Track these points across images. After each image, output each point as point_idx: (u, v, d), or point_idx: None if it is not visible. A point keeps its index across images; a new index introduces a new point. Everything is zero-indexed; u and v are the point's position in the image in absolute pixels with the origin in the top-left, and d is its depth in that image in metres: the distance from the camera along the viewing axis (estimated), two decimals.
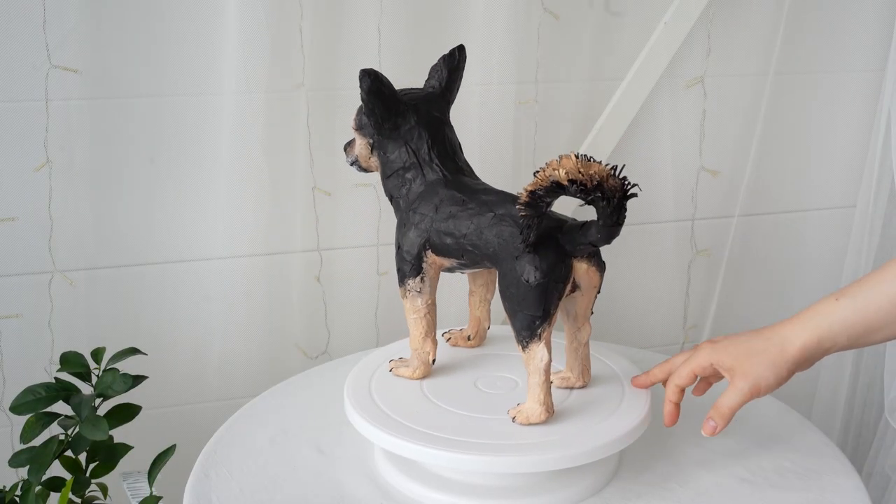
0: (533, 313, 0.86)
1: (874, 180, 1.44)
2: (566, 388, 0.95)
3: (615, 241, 0.94)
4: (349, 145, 1.03)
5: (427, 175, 0.96)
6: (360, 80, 0.94)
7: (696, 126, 1.42)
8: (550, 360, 0.87)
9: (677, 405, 0.90)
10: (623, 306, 1.47)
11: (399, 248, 0.96)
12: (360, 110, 0.99)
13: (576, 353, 0.95)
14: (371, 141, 0.99)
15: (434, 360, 0.98)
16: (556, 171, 0.81)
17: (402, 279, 0.97)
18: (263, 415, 1.05)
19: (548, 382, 0.88)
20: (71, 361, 1.05)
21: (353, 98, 1.26)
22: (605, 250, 1.07)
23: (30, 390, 1.02)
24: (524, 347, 0.88)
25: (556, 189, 0.82)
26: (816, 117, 1.48)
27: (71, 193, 1.21)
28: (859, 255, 1.48)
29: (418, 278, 0.96)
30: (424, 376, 0.98)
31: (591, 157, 0.83)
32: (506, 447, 0.85)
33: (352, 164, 1.03)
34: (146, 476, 1.01)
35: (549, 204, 0.85)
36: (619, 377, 0.98)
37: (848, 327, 0.84)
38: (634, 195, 0.83)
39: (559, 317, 0.91)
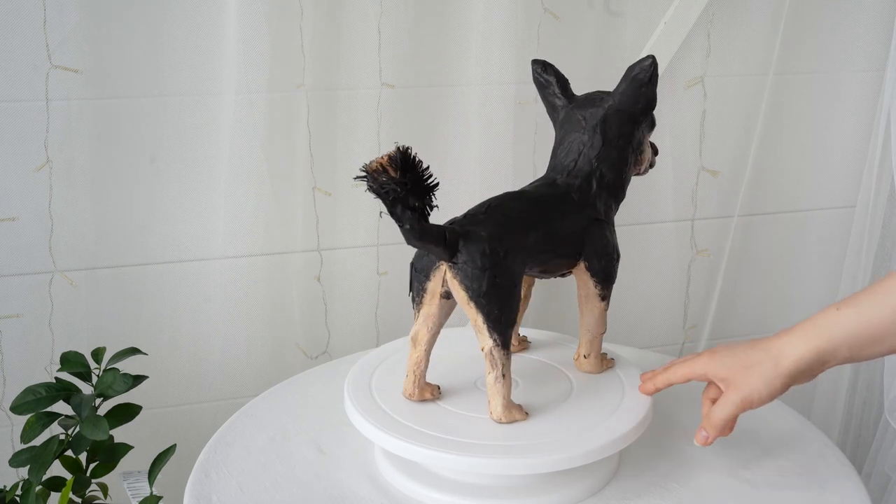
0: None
1: (874, 180, 1.44)
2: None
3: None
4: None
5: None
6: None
7: (696, 126, 1.42)
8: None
9: (657, 390, 0.92)
10: (623, 306, 1.47)
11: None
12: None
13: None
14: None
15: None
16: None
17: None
18: (263, 415, 1.05)
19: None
20: (71, 361, 1.05)
21: (353, 98, 1.27)
22: None
23: (30, 390, 1.03)
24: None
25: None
26: (816, 117, 1.48)
27: (71, 193, 1.21)
28: (859, 255, 1.48)
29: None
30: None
31: (410, 152, 0.78)
32: (506, 448, 0.85)
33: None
34: (146, 476, 1.01)
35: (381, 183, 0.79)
36: (619, 377, 0.98)
37: (849, 339, 0.83)
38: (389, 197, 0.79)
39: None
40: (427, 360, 0.91)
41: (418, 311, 0.89)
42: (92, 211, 1.23)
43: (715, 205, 1.47)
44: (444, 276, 0.85)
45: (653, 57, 0.92)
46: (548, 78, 1.01)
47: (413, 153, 0.79)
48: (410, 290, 0.88)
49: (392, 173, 0.78)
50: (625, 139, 0.95)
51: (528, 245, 0.88)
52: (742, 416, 0.89)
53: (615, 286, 0.94)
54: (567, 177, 0.94)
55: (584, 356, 0.98)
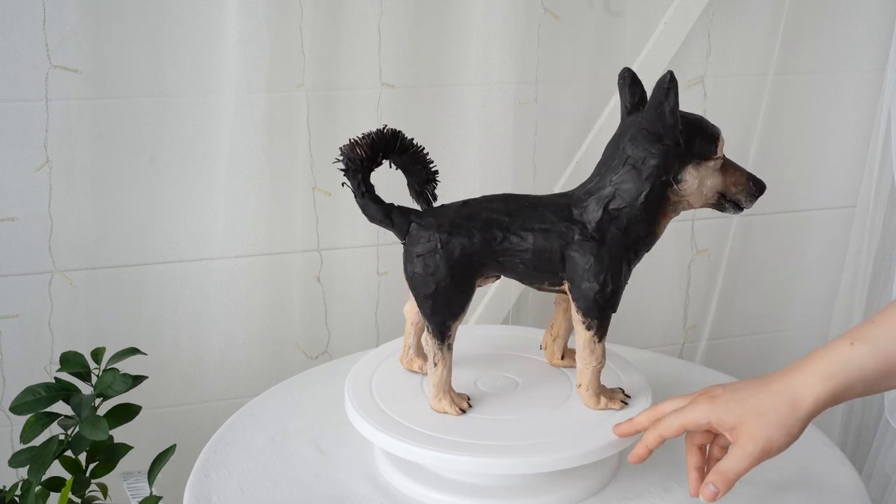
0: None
1: (874, 180, 1.44)
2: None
3: None
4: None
5: None
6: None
7: None
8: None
9: (650, 451, 0.82)
10: (623, 306, 1.46)
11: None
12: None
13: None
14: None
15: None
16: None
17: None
18: (263, 415, 1.05)
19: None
20: (71, 361, 1.05)
21: (353, 98, 1.27)
22: None
23: (30, 390, 1.02)
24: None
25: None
26: (816, 117, 1.48)
27: (71, 193, 1.21)
28: (859, 255, 1.48)
29: None
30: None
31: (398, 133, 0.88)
32: (505, 448, 0.85)
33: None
34: (146, 476, 1.01)
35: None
36: (619, 377, 0.98)
37: (866, 375, 0.76)
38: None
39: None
40: (415, 333, 0.97)
41: None
42: (92, 211, 1.22)
43: None
44: None
45: (670, 72, 0.83)
46: (626, 86, 0.90)
47: (400, 135, 0.88)
48: None
49: (360, 151, 0.87)
50: (653, 166, 0.85)
51: (489, 247, 0.87)
52: None
53: None
54: (582, 190, 0.89)
55: (578, 385, 0.92)
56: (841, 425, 1.54)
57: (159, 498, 0.98)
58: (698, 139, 0.86)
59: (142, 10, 1.17)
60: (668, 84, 0.83)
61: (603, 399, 0.91)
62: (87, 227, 1.23)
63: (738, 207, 0.89)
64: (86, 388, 1.04)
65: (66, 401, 1.02)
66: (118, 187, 1.23)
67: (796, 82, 1.45)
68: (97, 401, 1.02)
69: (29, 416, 1.02)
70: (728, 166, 0.88)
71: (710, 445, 0.84)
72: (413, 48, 1.27)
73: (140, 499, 0.98)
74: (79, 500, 1.05)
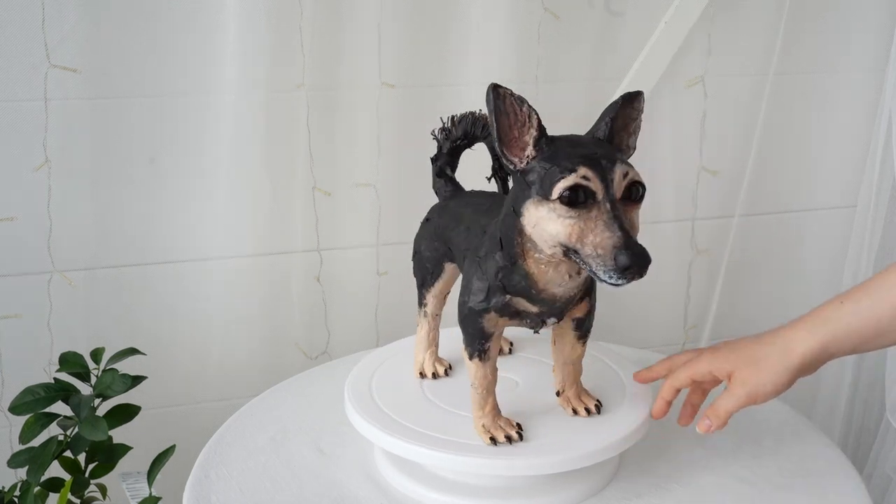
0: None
1: (875, 180, 1.44)
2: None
3: None
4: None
5: None
6: None
7: (696, 126, 1.42)
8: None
9: (669, 403, 0.90)
10: (623, 306, 1.47)
11: None
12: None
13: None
14: None
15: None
16: None
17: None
18: (263, 415, 1.04)
19: None
20: (70, 362, 1.05)
21: (353, 98, 1.27)
22: None
23: (29, 390, 1.02)
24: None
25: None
26: (816, 117, 1.48)
27: (70, 193, 1.21)
28: (860, 255, 1.48)
29: None
30: None
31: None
32: (506, 449, 0.85)
33: None
34: (146, 476, 1.01)
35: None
36: (619, 377, 0.98)
37: (853, 332, 0.82)
38: None
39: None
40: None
41: None
42: (91, 211, 1.22)
43: (715, 205, 1.46)
44: None
45: (492, 85, 0.73)
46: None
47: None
48: None
49: (455, 130, 0.98)
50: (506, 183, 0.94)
51: (444, 231, 0.93)
52: (741, 416, 0.89)
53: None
54: None
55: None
56: (842, 425, 1.53)
57: (159, 498, 0.98)
58: (536, 170, 0.74)
59: (141, 10, 1.17)
60: (492, 96, 0.74)
61: (487, 430, 0.85)
62: (87, 228, 1.23)
63: (598, 277, 0.72)
64: (85, 389, 1.04)
65: (66, 401, 1.02)
66: (118, 187, 1.23)
67: (796, 82, 1.44)
68: (96, 401, 1.02)
69: (28, 416, 1.01)
70: (590, 221, 0.71)
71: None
72: (413, 48, 1.27)
73: (139, 499, 0.98)
74: (78, 501, 1.05)
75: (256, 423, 1.03)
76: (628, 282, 0.70)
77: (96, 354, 1.07)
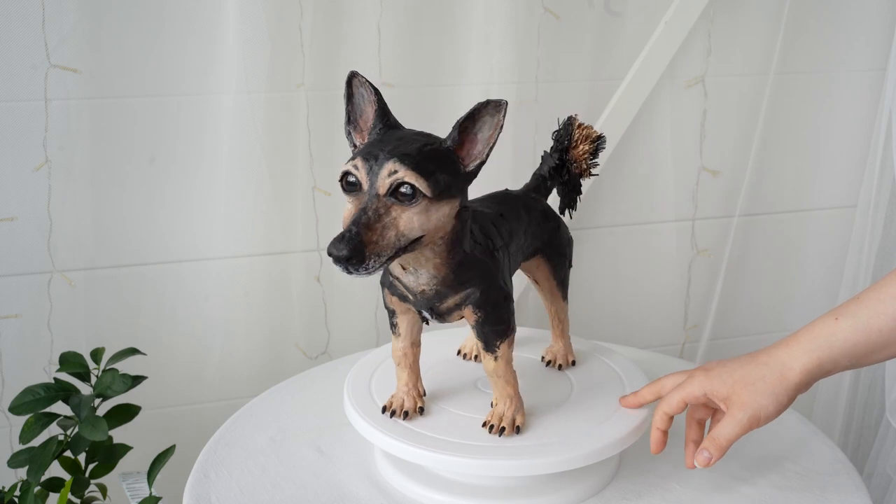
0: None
1: (875, 180, 1.44)
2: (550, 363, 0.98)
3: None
4: None
5: None
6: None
7: (696, 126, 1.42)
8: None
9: (665, 432, 0.86)
10: (623, 306, 1.47)
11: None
12: None
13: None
14: None
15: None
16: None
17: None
18: (263, 415, 1.04)
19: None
20: (70, 362, 1.05)
21: None
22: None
23: (29, 390, 1.02)
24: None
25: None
26: (816, 117, 1.48)
27: (70, 193, 1.21)
28: (860, 255, 1.48)
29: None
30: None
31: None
32: (506, 449, 0.85)
33: None
34: (146, 476, 1.01)
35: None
36: (619, 377, 0.98)
37: (849, 349, 0.80)
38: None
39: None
40: None
41: None
42: (91, 211, 1.22)
43: (715, 205, 1.47)
44: None
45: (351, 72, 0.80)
46: None
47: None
48: None
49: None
50: None
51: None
52: None
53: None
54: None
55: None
56: (842, 425, 1.53)
57: (159, 498, 0.98)
58: None
59: (141, 10, 1.17)
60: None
61: (389, 400, 0.91)
62: (87, 228, 1.23)
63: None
64: (85, 389, 1.04)
65: (66, 401, 1.02)
66: (118, 187, 1.23)
67: (796, 82, 1.44)
68: (96, 401, 1.02)
69: (28, 416, 1.02)
70: (352, 209, 0.77)
71: (709, 421, 0.87)
72: (413, 48, 1.27)
73: (139, 499, 0.98)
74: (78, 501, 1.05)
75: (256, 423, 1.03)
76: (345, 270, 0.73)
77: (96, 354, 1.07)
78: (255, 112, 1.22)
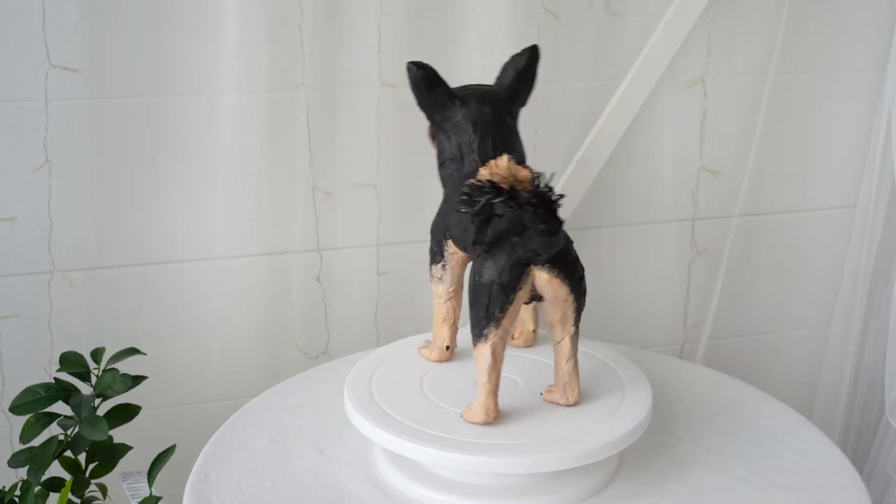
0: (477, 312, 0.87)
1: (875, 180, 1.44)
2: (552, 402, 0.93)
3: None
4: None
5: (465, 167, 0.97)
6: (407, 70, 0.98)
7: (696, 126, 1.42)
8: (495, 364, 0.87)
9: None
10: (623, 306, 1.47)
11: (431, 233, 1.00)
12: None
13: (557, 367, 0.92)
14: (431, 128, 1.02)
15: (450, 347, 1.01)
16: (484, 171, 0.81)
17: (429, 264, 1.01)
18: (263, 415, 1.05)
19: (491, 384, 0.87)
20: (70, 361, 1.05)
21: (353, 98, 1.27)
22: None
23: (29, 390, 1.02)
24: (473, 345, 0.88)
25: (486, 190, 0.81)
26: (816, 117, 1.48)
27: (71, 193, 1.21)
28: (860, 255, 1.48)
29: (440, 265, 0.99)
30: (440, 360, 1.01)
31: (529, 167, 0.83)
32: (506, 447, 0.85)
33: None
34: (146, 476, 1.01)
35: (485, 204, 0.81)
36: (619, 377, 0.98)
37: None
38: (557, 205, 0.82)
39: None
40: None
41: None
42: (91, 211, 1.22)
43: (715, 205, 1.46)
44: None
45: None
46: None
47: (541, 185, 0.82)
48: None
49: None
50: None
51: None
52: (741, 416, 0.89)
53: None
54: None
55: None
56: (842, 425, 1.53)
57: (159, 498, 0.98)
58: None
59: (142, 10, 1.17)
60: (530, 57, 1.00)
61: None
62: (87, 228, 1.23)
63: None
64: (85, 389, 1.04)
65: (66, 401, 1.02)
66: (118, 187, 1.23)
67: (796, 82, 1.44)
68: (97, 401, 1.02)
69: (28, 416, 1.02)
70: None
71: None
72: (413, 48, 1.27)
73: (140, 499, 0.98)
74: (78, 501, 1.05)
75: (256, 423, 1.03)
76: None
77: (96, 354, 1.07)
78: (255, 112, 1.22)
